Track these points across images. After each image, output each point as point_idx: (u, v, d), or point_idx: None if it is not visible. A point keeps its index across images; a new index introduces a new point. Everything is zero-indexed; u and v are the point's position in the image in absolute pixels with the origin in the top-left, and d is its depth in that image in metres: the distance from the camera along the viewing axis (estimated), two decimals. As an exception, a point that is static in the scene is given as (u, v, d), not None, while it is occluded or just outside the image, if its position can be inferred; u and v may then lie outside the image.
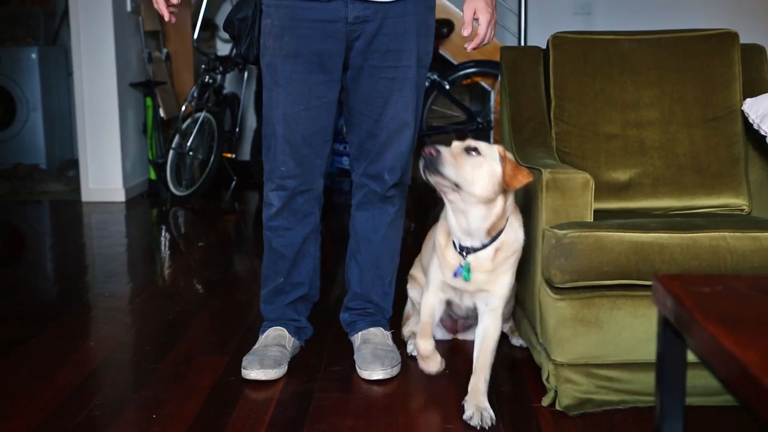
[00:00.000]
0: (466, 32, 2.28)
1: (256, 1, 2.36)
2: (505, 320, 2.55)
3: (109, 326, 2.96)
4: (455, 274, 2.18)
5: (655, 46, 2.74)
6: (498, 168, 2.06)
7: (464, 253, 2.15)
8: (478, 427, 2.07)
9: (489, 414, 2.10)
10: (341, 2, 2.26)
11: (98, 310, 3.19)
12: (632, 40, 2.75)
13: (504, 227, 2.15)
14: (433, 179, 2.03)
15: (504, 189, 2.08)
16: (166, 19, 2.33)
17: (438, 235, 2.25)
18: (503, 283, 2.19)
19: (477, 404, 2.12)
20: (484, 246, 2.14)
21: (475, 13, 2.29)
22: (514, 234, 2.18)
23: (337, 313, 2.72)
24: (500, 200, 2.09)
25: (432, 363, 2.27)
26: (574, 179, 2.18)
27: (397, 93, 2.36)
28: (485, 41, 2.32)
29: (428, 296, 2.30)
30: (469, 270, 2.15)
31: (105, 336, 2.85)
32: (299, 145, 2.37)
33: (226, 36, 6.28)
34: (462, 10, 2.31)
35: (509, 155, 2.10)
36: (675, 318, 1.16)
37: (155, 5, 2.30)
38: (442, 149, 2.03)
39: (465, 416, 2.10)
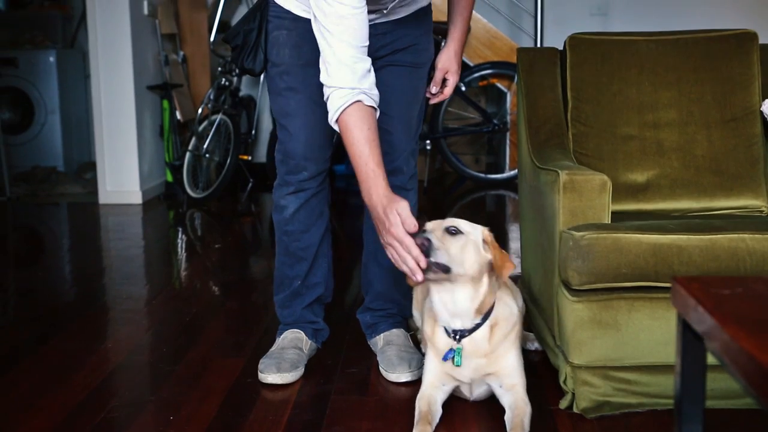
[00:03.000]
0: (434, 89, 2.47)
1: (262, 12, 2.36)
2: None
3: (126, 328, 2.97)
4: (445, 358, 2.09)
5: (672, 47, 2.72)
6: (480, 243, 2.02)
7: (457, 337, 2.08)
8: None
9: None
10: None
11: (115, 312, 3.20)
12: (649, 40, 2.74)
13: (494, 303, 2.09)
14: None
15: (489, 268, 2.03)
16: None
17: (424, 326, 2.19)
18: (509, 363, 2.11)
19: None
20: (478, 326, 2.07)
21: (446, 73, 2.47)
22: (507, 309, 2.12)
23: (352, 314, 2.72)
24: (486, 278, 2.03)
25: None
26: (591, 181, 2.17)
27: (409, 88, 2.42)
28: (447, 97, 2.53)
29: (424, 390, 2.13)
30: (460, 354, 2.07)
31: (122, 338, 2.86)
32: (317, 149, 2.40)
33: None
34: (438, 59, 2.47)
35: (492, 237, 2.05)
36: (694, 320, 1.15)
37: None
38: (431, 237, 1.95)
39: None
